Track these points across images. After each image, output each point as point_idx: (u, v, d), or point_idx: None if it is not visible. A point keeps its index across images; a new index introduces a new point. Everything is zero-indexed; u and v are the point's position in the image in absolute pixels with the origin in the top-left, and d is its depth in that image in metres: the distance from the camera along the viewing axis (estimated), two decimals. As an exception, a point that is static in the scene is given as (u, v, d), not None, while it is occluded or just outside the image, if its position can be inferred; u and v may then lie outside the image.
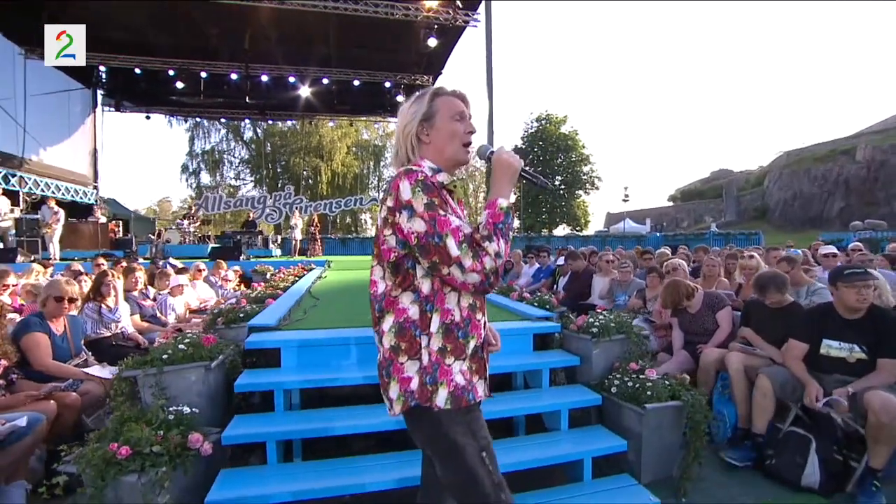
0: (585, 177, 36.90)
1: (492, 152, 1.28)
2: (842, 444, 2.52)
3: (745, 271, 4.26)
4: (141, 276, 4.85)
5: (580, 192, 37.01)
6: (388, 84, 17.24)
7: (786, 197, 32.96)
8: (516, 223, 38.15)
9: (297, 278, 6.64)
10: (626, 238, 19.99)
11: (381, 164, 43.24)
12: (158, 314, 4.84)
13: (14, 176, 13.60)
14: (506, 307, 3.96)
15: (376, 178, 43.67)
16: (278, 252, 15.85)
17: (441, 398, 1.21)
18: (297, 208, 17.93)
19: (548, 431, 2.71)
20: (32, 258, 9.54)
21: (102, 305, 3.93)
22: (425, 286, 1.21)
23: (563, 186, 36.46)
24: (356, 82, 16.67)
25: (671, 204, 45.41)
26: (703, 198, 41.92)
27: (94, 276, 4.28)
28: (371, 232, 41.67)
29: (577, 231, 34.17)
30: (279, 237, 18.62)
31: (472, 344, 1.26)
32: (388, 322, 1.24)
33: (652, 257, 5.84)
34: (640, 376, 2.56)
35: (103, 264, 6.38)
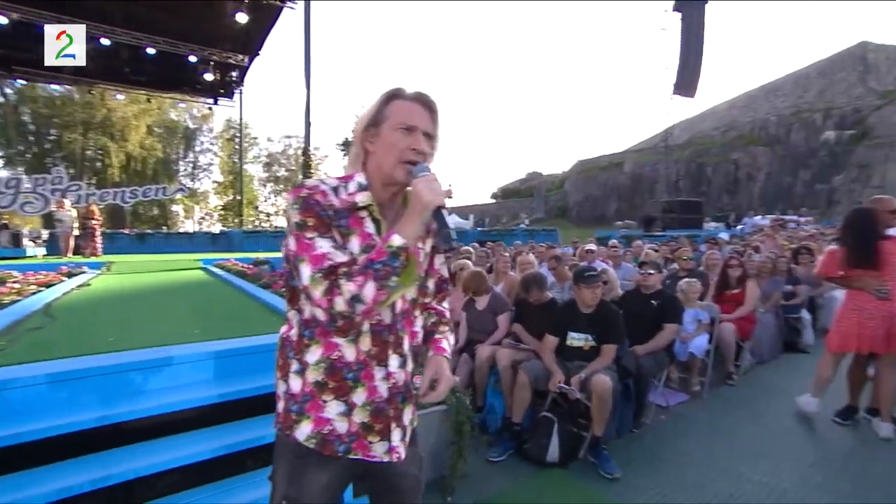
0: (424, 171, 38.35)
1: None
2: (577, 420, 2.97)
3: (522, 266, 4.77)
4: None
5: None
6: (193, 58, 15.00)
7: (580, 199, 39.45)
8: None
9: (41, 288, 5.21)
10: (451, 233, 21.29)
11: (196, 148, 37.96)
12: None
13: None
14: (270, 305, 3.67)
15: (190, 165, 38.21)
16: (42, 252, 12.51)
17: (302, 433, 1.08)
18: (67, 196, 14.35)
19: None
20: None
21: None
22: (307, 309, 1.08)
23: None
24: (150, 50, 14.08)
25: (493, 201, 50.24)
26: (520, 196, 47.42)
27: None
28: (184, 226, 36.32)
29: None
30: (48, 232, 14.69)
31: (361, 392, 1.09)
32: (280, 332, 1.17)
33: (451, 256, 6.20)
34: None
35: None
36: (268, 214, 40.72)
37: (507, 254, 5.62)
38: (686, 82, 16.38)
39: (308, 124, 11.13)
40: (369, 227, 1.09)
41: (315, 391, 1.07)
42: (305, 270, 0.97)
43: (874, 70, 28.97)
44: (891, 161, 23.22)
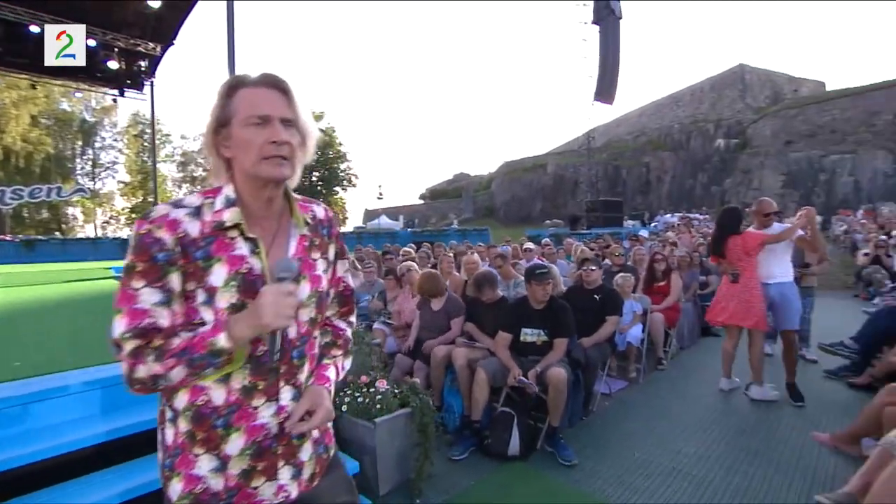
0: (342, 174, 37.59)
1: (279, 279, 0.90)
2: (532, 412, 3.08)
3: (468, 266, 4.83)
4: None
5: (337, 188, 37.48)
6: (91, 42, 13.38)
7: (507, 199, 40.80)
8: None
9: None
10: (381, 234, 21.08)
11: (97, 145, 34.15)
12: None
13: None
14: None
15: (88, 163, 34.31)
16: None
17: (175, 491, 0.95)
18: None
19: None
20: None
21: None
22: None
23: (320, 183, 36.36)
24: (34, 28, 12.35)
25: (422, 202, 50.44)
26: (448, 197, 48.03)
27: None
28: (83, 232, 32.51)
29: (334, 228, 34.61)
30: None
31: (236, 439, 0.93)
32: None
33: (392, 258, 6.15)
34: (370, 389, 2.53)
35: None
36: (182, 217, 37.62)
37: (450, 254, 5.67)
38: (605, 90, 17.65)
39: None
40: (241, 248, 0.94)
41: (186, 443, 0.94)
42: (119, 325, 0.86)
43: (750, 89, 33.04)
44: (766, 168, 26.64)
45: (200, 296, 0.91)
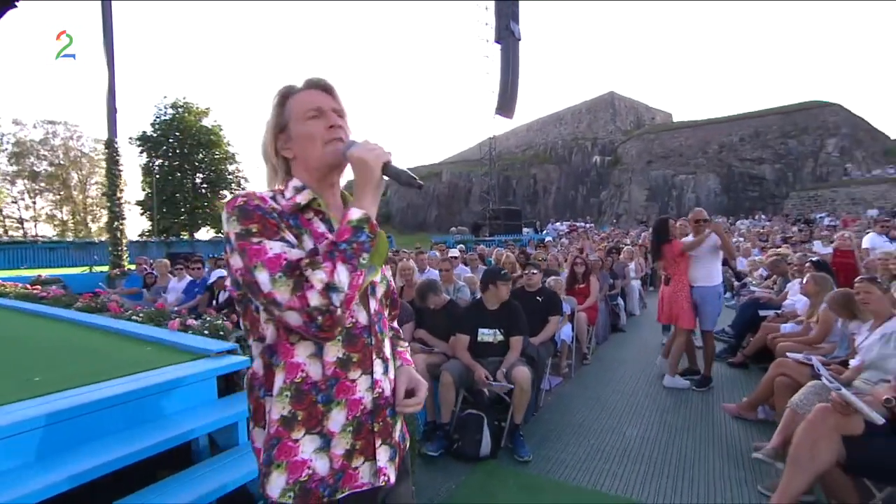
0: (231, 176, 34.43)
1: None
2: (497, 412, 3.19)
3: (403, 272, 4.81)
4: None
5: (225, 191, 34.18)
6: None
7: (402, 206, 41.11)
8: (146, 224, 31.58)
9: None
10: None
11: None
12: None
13: None
14: (167, 343, 2.98)
15: None
16: None
17: (275, 486, 0.90)
18: None
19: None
20: None
21: None
22: (269, 332, 0.94)
23: (205, 185, 32.95)
24: None
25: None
26: (343, 203, 46.85)
27: None
28: None
29: (222, 234, 31.58)
30: None
31: (337, 413, 0.94)
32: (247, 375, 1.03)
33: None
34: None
35: None
36: (20, 220, 31.24)
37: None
38: (506, 105, 18.84)
39: (113, 110, 8.86)
40: (320, 227, 0.99)
41: (283, 430, 0.91)
42: (263, 276, 0.83)
43: (619, 113, 37.99)
44: (633, 183, 30.73)
45: None
